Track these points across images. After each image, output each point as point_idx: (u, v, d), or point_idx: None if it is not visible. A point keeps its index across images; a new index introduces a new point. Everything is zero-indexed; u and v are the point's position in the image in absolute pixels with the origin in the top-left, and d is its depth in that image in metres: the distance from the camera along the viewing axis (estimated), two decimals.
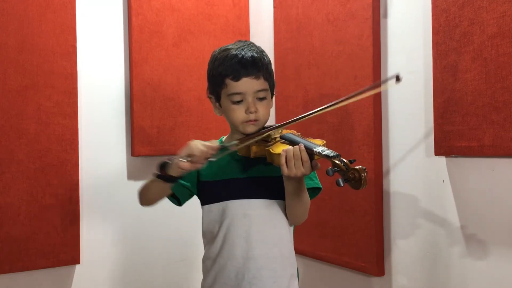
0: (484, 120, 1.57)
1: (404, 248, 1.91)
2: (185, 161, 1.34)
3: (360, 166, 1.23)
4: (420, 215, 1.85)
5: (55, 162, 2.10)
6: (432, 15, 1.73)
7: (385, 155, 1.98)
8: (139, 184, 1.48)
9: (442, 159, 1.76)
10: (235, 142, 1.40)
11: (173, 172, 1.38)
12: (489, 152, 1.57)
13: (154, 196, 1.51)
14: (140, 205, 1.53)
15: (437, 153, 1.73)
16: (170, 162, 1.37)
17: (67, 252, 2.12)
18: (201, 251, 1.58)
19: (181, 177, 1.41)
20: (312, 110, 1.42)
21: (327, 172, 1.24)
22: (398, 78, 1.42)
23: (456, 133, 1.66)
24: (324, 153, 1.28)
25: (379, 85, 1.50)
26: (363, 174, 1.22)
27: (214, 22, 2.48)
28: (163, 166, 1.39)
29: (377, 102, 1.96)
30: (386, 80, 1.55)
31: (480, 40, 1.58)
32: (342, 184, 1.23)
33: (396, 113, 1.95)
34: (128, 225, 2.34)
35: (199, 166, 1.36)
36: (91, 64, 2.25)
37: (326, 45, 2.15)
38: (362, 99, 1.97)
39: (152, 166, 2.40)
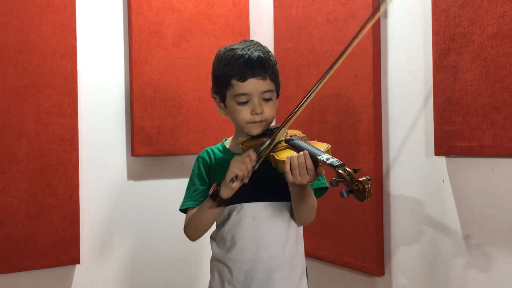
0: (484, 120, 1.57)
1: (404, 248, 1.91)
2: (234, 182, 1.35)
3: (365, 177, 1.18)
4: (420, 215, 1.85)
5: (55, 162, 2.09)
6: (432, 15, 1.73)
7: (385, 155, 1.98)
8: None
9: (442, 159, 1.76)
10: (267, 142, 1.36)
11: (226, 194, 1.38)
12: (489, 152, 1.57)
13: (209, 222, 1.49)
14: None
15: (437, 153, 1.73)
16: (220, 188, 1.38)
17: (67, 252, 2.12)
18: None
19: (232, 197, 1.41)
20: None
21: (331, 183, 1.22)
22: None
23: (456, 133, 1.66)
24: (328, 161, 1.24)
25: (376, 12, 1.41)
26: (367, 186, 1.16)
27: (214, 22, 2.48)
28: (216, 193, 1.40)
29: (377, 102, 1.96)
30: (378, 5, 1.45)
31: (480, 40, 1.58)
32: (346, 196, 1.19)
33: (396, 113, 1.94)
34: (128, 225, 2.34)
35: (246, 180, 1.37)
36: (91, 64, 2.25)
37: (326, 45, 2.15)
38: (361, 100, 1.98)
39: (152, 166, 2.42)
